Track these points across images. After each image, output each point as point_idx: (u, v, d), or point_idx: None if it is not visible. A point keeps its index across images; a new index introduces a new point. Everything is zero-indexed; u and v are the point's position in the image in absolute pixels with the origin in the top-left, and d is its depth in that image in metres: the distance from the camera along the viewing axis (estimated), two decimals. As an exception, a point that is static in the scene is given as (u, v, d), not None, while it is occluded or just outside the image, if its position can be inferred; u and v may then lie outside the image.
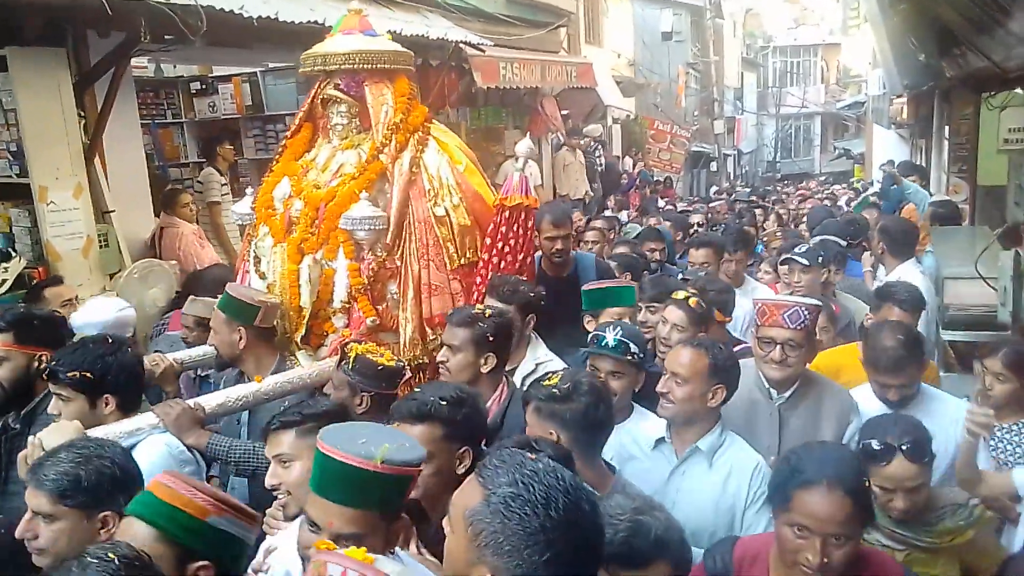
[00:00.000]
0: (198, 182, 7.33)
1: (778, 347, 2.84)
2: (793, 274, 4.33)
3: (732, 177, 26.50)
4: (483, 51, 8.63)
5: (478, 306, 3.02)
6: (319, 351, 3.37)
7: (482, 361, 2.88)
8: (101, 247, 5.20)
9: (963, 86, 6.14)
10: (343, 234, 3.31)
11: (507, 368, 3.25)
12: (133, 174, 5.85)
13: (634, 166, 16.22)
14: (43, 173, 4.85)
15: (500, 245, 3.33)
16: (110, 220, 5.32)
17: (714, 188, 20.68)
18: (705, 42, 23.25)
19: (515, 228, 3.34)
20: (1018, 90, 5.19)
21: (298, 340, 3.37)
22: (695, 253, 5.04)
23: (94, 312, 3.73)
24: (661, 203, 13.71)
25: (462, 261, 3.37)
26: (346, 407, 2.57)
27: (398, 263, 3.35)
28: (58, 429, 2.41)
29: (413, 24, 7.58)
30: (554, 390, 2.38)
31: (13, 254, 4.88)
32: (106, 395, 2.58)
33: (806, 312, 2.86)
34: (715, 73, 24.29)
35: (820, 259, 4.32)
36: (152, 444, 2.56)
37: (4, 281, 4.72)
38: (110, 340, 2.72)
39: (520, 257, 3.38)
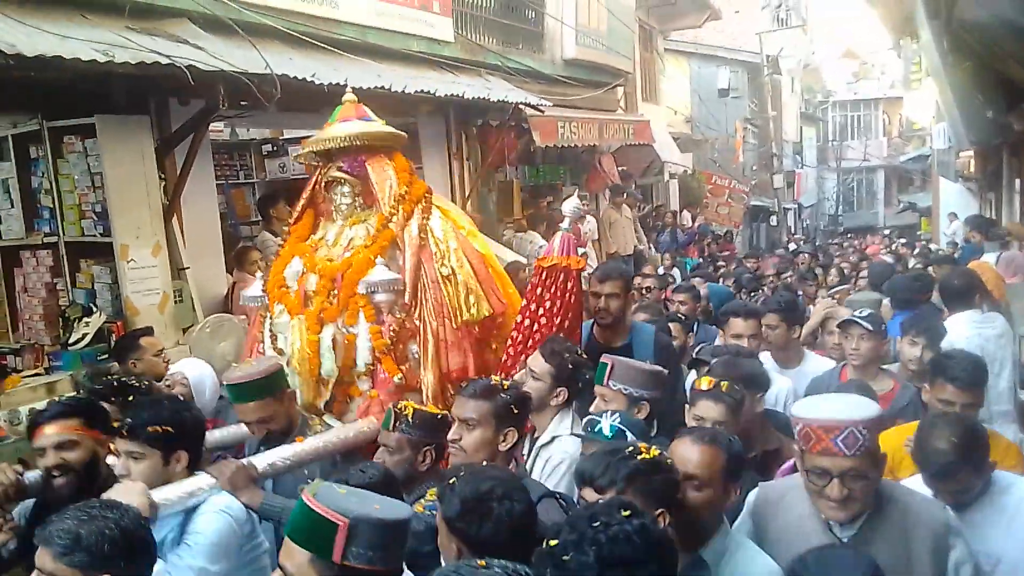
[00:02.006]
0: (257, 247, 7.58)
1: (835, 481, 2.15)
2: (851, 340, 3.84)
3: (792, 231, 26.13)
4: (542, 111, 8.82)
5: (494, 377, 2.85)
6: (345, 416, 3.42)
7: (502, 438, 2.64)
8: (176, 302, 5.42)
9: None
10: (362, 299, 3.45)
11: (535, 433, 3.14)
12: (207, 232, 6.11)
13: (693, 220, 16.18)
14: (125, 232, 5.11)
15: (535, 307, 3.33)
16: (185, 277, 5.54)
17: (792, 245, 20.31)
18: (763, 98, 23.26)
19: (552, 290, 3.34)
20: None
21: (320, 407, 3.44)
22: (737, 324, 4.17)
23: (192, 367, 3.94)
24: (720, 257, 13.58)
25: (466, 317, 3.45)
26: (392, 473, 2.54)
27: (417, 323, 3.48)
28: (124, 490, 2.36)
29: (475, 88, 7.81)
30: (665, 460, 2.13)
31: (94, 309, 5.12)
32: (180, 451, 2.59)
33: (865, 432, 2.15)
34: (773, 128, 24.22)
35: (883, 325, 3.93)
36: (214, 506, 2.53)
37: (85, 335, 4.95)
38: (179, 397, 2.79)
39: (558, 321, 3.32)
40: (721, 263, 12.37)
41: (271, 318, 3.65)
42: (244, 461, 2.76)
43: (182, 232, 5.63)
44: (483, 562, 1.49)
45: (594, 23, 11.04)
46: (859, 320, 3.84)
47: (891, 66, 31.17)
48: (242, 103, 5.57)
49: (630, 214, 12.37)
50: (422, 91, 6.67)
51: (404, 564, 1.88)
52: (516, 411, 2.66)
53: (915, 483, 2.54)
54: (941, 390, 3.05)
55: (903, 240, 19.76)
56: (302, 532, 1.74)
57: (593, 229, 11.04)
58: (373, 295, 3.44)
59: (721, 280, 8.54)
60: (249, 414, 3.13)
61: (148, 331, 4.68)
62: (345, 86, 5.73)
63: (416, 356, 3.48)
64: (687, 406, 2.96)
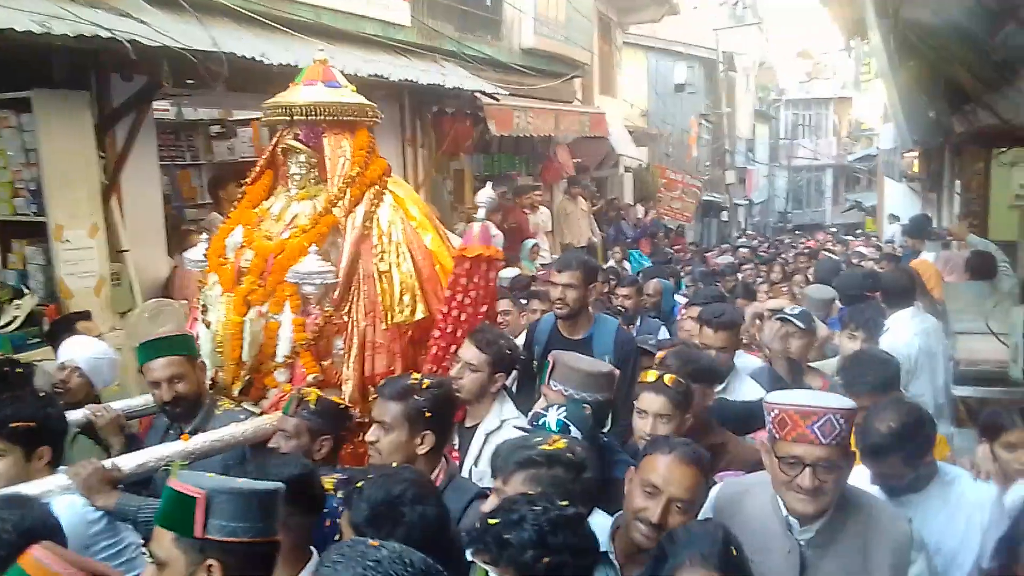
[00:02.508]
0: (204, 228, 7.42)
1: (807, 470, 2.07)
2: (784, 340, 3.86)
3: (742, 227, 26.56)
4: (498, 100, 8.77)
5: (414, 375, 2.70)
6: (260, 404, 3.29)
7: (418, 440, 2.55)
8: (114, 285, 5.25)
9: (973, 142, 6.18)
10: (290, 287, 3.25)
11: (471, 424, 3.15)
12: (149, 214, 5.93)
13: (646, 214, 16.31)
14: (60, 212, 4.93)
15: (460, 297, 3.23)
16: (124, 259, 5.38)
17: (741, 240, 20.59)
18: (718, 94, 23.53)
19: (475, 279, 3.24)
20: (1029, 147, 5.22)
21: (234, 392, 3.29)
22: (711, 335, 3.74)
23: (82, 349, 3.68)
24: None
25: (397, 318, 3.25)
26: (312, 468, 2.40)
27: (345, 319, 3.28)
28: None
29: (429, 73, 7.73)
30: (566, 455, 2.04)
31: (26, 291, 4.93)
32: (41, 447, 2.55)
33: (842, 421, 2.08)
34: (727, 125, 24.53)
35: (814, 322, 3.99)
36: (62, 504, 2.43)
37: (16, 318, 4.76)
38: (43, 393, 2.71)
39: (483, 309, 3.26)
40: (674, 257, 12.51)
41: (206, 288, 3.48)
42: (108, 462, 2.65)
43: (122, 213, 5.46)
44: (375, 542, 1.47)
45: (553, 13, 11.02)
46: (792, 319, 3.85)
47: (842, 67, 31.86)
48: (188, 81, 5.42)
49: (585, 206, 12.41)
50: (375, 75, 6.57)
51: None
52: (431, 414, 2.55)
53: (857, 472, 2.50)
54: (853, 398, 3.03)
55: (850, 238, 20.22)
56: (164, 513, 1.72)
57: (547, 220, 11.06)
58: (301, 286, 3.25)
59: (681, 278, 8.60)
60: (159, 371, 3.04)
61: (85, 315, 4.53)
62: (296, 67, 5.71)
63: (340, 353, 3.30)
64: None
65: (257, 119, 8.51)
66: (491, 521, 1.71)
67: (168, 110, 7.78)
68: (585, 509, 2.00)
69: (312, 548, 2.19)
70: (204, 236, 3.76)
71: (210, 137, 8.65)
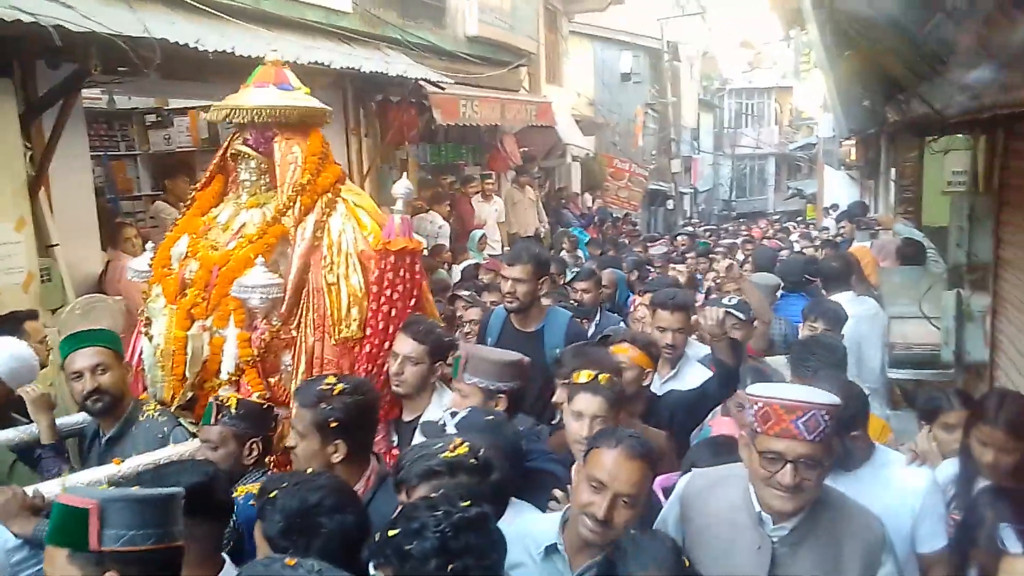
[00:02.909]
0: (150, 217, 7.21)
1: (788, 467, 2.03)
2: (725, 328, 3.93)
3: (688, 215, 26.91)
4: (443, 89, 8.69)
5: (328, 379, 2.58)
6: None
7: (331, 449, 2.48)
8: (43, 282, 5.05)
9: (907, 130, 6.35)
10: (235, 301, 3.12)
11: (410, 418, 3.12)
12: (80, 207, 5.71)
13: (593, 203, 16.41)
14: (-16, 205, 4.71)
15: (388, 292, 3.12)
16: (53, 254, 5.17)
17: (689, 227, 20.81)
18: (663, 83, 23.75)
19: (402, 273, 3.14)
20: (959, 135, 5.38)
21: (174, 408, 3.16)
22: (667, 317, 3.78)
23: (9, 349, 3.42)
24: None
25: (345, 333, 3.13)
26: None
27: (294, 333, 3.17)
28: None
29: (372, 61, 7.61)
30: (468, 460, 1.97)
31: (-50, 288, 4.72)
32: None
33: (827, 417, 2.05)
34: (672, 113, 24.79)
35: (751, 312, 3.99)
36: None
37: (-62, 316, 4.54)
38: None
39: (411, 302, 3.18)
40: (621, 244, 12.60)
41: (148, 300, 3.34)
42: (30, 489, 2.52)
43: (51, 206, 5.24)
44: (292, 560, 1.44)
45: (498, 1, 10.95)
46: (732, 310, 3.85)
47: (783, 57, 32.43)
48: (119, 68, 5.23)
49: (533, 195, 12.40)
50: (317, 62, 6.43)
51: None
52: (337, 423, 2.45)
53: None
54: (799, 380, 3.15)
55: (791, 224, 20.65)
56: (56, 531, 1.64)
57: (501, 210, 10.99)
58: (247, 300, 3.10)
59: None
60: (81, 360, 2.96)
61: (32, 315, 4.33)
62: (232, 53, 5.56)
63: (288, 369, 3.18)
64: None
65: (195, 108, 8.31)
66: (391, 533, 1.63)
67: (100, 99, 7.51)
68: (496, 509, 1.97)
69: (225, 556, 2.13)
70: (150, 245, 3.59)
71: (146, 127, 8.40)
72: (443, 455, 1.96)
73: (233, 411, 2.70)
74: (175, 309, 3.19)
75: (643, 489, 2.15)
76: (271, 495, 1.95)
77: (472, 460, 1.96)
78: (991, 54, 2.42)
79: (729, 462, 2.35)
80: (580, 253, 9.91)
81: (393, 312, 3.13)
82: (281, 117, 3.22)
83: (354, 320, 3.14)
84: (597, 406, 2.62)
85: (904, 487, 2.58)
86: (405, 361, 3.05)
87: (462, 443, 2.00)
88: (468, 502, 1.64)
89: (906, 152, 9.00)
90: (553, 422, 3.34)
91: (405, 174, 4.01)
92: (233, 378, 3.11)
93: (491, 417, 2.45)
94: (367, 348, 3.14)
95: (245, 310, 3.13)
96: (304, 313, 3.17)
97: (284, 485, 1.99)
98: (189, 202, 3.53)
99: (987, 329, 4.11)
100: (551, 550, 2.20)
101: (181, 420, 3.13)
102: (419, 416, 3.10)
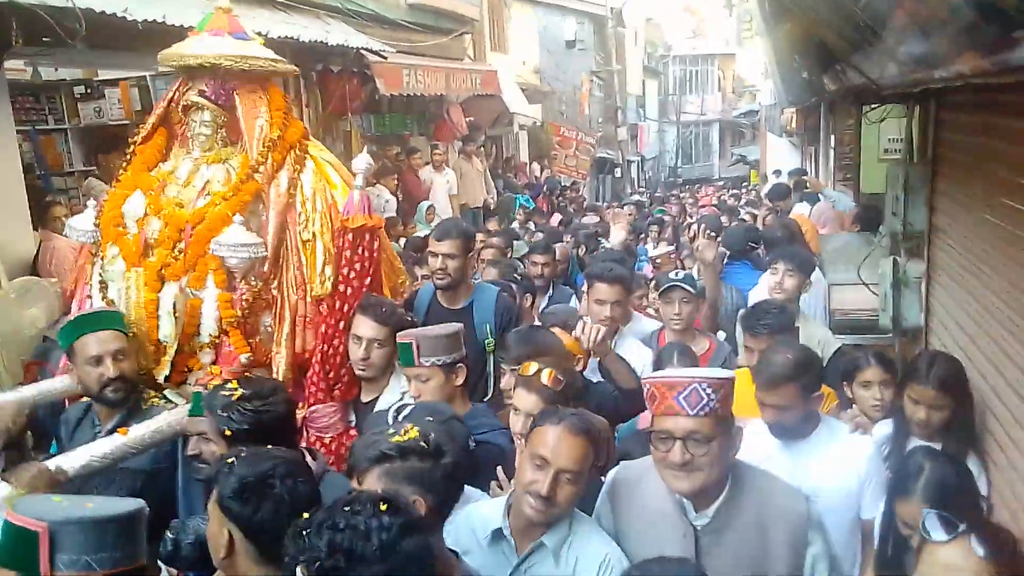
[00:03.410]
0: (83, 195, 6.95)
1: (676, 444, 2.04)
2: (673, 304, 3.80)
3: (635, 183, 27.11)
4: (385, 58, 8.53)
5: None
6: (183, 388, 3.05)
7: None
8: (-30, 265, 4.85)
9: (844, 99, 6.47)
10: (214, 261, 3.01)
11: (368, 399, 3.10)
12: (7, 185, 5.45)
13: (541, 172, 16.40)
14: (-99, 185, 4.48)
15: (346, 271, 3.07)
16: (-20, 236, 4.97)
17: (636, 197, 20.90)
18: (608, 51, 23.73)
19: (360, 251, 3.07)
20: (895, 105, 5.50)
21: (159, 377, 3.05)
22: (604, 289, 3.66)
23: None
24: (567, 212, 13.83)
25: (317, 291, 3.09)
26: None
27: (275, 293, 3.10)
28: None
29: (311, 30, 7.43)
30: (419, 443, 1.94)
31: None
32: None
33: (709, 390, 2.04)
34: (618, 81, 24.82)
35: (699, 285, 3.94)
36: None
37: None
38: None
39: (367, 281, 3.11)
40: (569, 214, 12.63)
41: (102, 261, 3.15)
42: (51, 464, 2.45)
43: (-26, 185, 5.02)
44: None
45: (439, -33, 10.77)
46: (681, 284, 3.84)
47: (726, 24, 32.70)
48: (43, 40, 4.99)
49: (480, 166, 12.33)
50: (253, 31, 6.22)
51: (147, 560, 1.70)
52: (232, 434, 2.31)
53: (749, 429, 2.58)
54: (752, 340, 3.29)
55: (734, 191, 20.96)
56: (4, 552, 1.53)
57: (452, 182, 10.87)
58: (227, 259, 2.99)
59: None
60: (102, 344, 2.79)
61: None
62: (163, 23, 5.34)
63: (268, 330, 3.10)
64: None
65: (126, 79, 8.00)
66: (304, 516, 1.59)
67: (25, 70, 7.18)
68: (448, 494, 1.98)
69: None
70: (92, 203, 3.38)
71: (75, 99, 8.07)
72: (394, 439, 1.95)
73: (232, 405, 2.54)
74: (141, 271, 3.04)
75: (585, 466, 2.14)
76: (228, 462, 1.94)
77: (423, 444, 1.95)
78: (922, 28, 2.47)
79: None
80: (531, 226, 9.79)
81: (349, 291, 3.08)
82: (249, 67, 3.07)
83: (328, 278, 3.08)
84: (532, 404, 2.53)
85: (850, 455, 2.64)
86: (370, 345, 3.00)
87: (412, 427, 1.99)
88: (387, 506, 1.55)
89: (844, 120, 9.20)
90: (486, 399, 3.36)
91: (364, 148, 3.90)
92: (215, 340, 3.04)
93: (431, 419, 2.41)
94: (322, 328, 3.08)
95: (225, 270, 3.04)
96: (283, 272, 3.10)
97: (242, 454, 1.99)
98: (129, 156, 3.32)
99: (922, 295, 4.25)
100: (497, 535, 2.21)
101: (168, 393, 3.01)
102: (377, 397, 3.07)
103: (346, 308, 3.08)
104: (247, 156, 3.15)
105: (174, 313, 3.00)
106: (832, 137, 10.61)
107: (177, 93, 3.24)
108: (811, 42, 4.41)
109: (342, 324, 3.08)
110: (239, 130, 3.18)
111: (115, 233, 3.14)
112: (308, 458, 2.47)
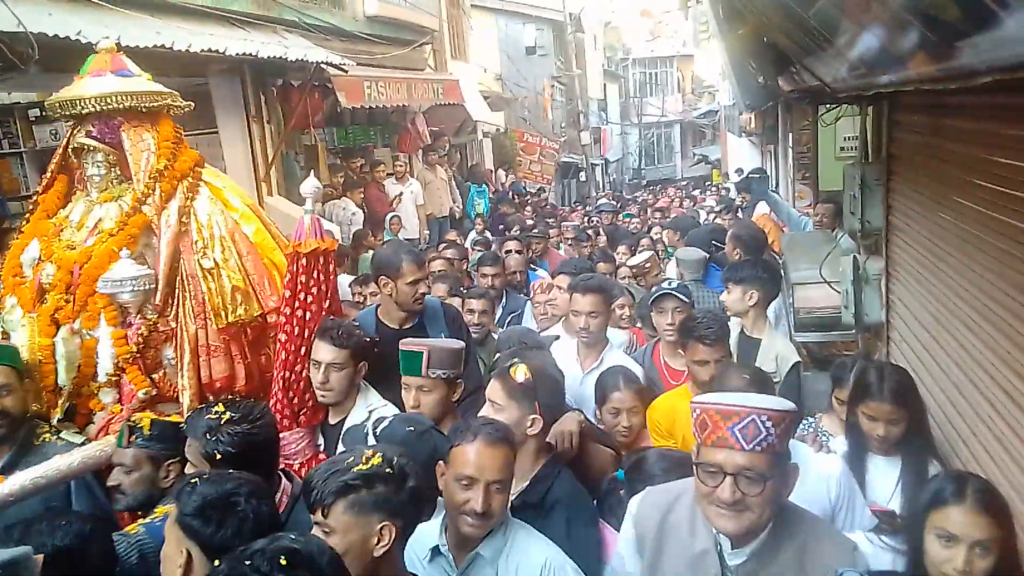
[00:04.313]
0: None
1: (727, 480, 1.83)
2: (666, 315, 3.67)
3: (600, 186, 27.27)
4: (346, 71, 8.50)
5: (216, 408, 2.43)
6: (87, 430, 3.03)
7: None
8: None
9: (800, 100, 6.59)
10: (103, 299, 2.98)
11: (335, 420, 3.08)
12: (-38, 212, 5.36)
13: (506, 178, 16.44)
14: None
15: (303, 296, 3.02)
16: (-65, 265, 4.84)
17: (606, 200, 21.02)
18: (568, 56, 23.87)
19: (315, 275, 3.04)
20: (848, 105, 5.61)
21: (55, 422, 2.99)
22: (580, 300, 3.61)
23: None
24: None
25: (231, 318, 3.03)
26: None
27: (172, 324, 3.05)
28: None
29: (270, 46, 7.36)
30: (384, 470, 1.90)
31: None
32: None
33: (768, 423, 1.83)
34: (579, 85, 24.98)
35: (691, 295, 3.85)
36: None
37: None
38: None
39: (325, 304, 3.09)
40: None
41: (2, 313, 3.13)
42: None
43: (-73, 213, 4.90)
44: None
45: (396, -22, 10.75)
46: (675, 293, 3.72)
47: (683, 26, 33.04)
48: (-6, 64, 4.90)
49: (444, 175, 12.32)
50: (210, 50, 6.18)
51: None
52: (222, 457, 2.31)
53: None
54: (693, 352, 3.22)
55: (697, 192, 21.18)
56: None
57: (417, 192, 10.84)
58: (117, 295, 2.97)
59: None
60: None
61: None
62: (119, 43, 5.27)
63: (172, 362, 3.07)
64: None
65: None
66: (242, 549, 1.55)
67: (-25, 94, 7.04)
68: (415, 515, 1.98)
69: None
70: None
71: (29, 122, 7.91)
72: (357, 468, 1.92)
73: (146, 432, 2.59)
74: (35, 317, 3.02)
75: (510, 470, 2.17)
76: (191, 482, 1.93)
77: (388, 470, 1.93)
78: (872, 34, 2.54)
79: (683, 477, 2.16)
80: (487, 235, 9.75)
81: (308, 316, 3.05)
82: (128, 104, 3.06)
83: (240, 304, 3.04)
84: (500, 397, 2.57)
85: (819, 477, 2.50)
86: (329, 369, 2.99)
87: (374, 454, 1.97)
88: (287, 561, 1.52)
89: (801, 119, 9.35)
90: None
91: (313, 169, 3.87)
92: (113, 379, 3.00)
93: (411, 429, 2.43)
94: (283, 355, 3.05)
95: (116, 306, 3.01)
96: (181, 302, 3.05)
97: (204, 476, 1.97)
98: (32, 206, 3.34)
99: (883, 292, 4.34)
100: (435, 552, 2.22)
101: (64, 433, 2.96)
102: (344, 418, 3.06)
103: (306, 333, 3.05)
104: (136, 193, 3.13)
105: (68, 355, 2.97)
106: (790, 136, 10.78)
107: (69, 138, 3.24)
108: (765, 47, 4.49)
109: (303, 350, 3.05)
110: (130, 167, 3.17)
111: (13, 283, 3.15)
112: (285, 480, 2.49)
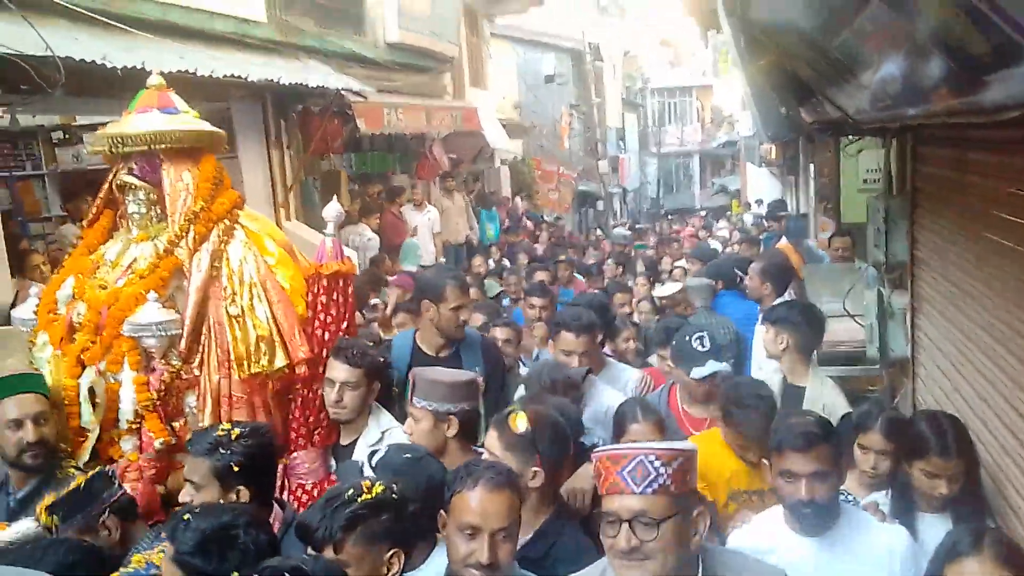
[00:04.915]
0: (37, 252, 6.86)
1: (623, 528, 1.75)
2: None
3: (618, 215, 27.26)
4: (366, 97, 8.57)
5: (224, 425, 2.48)
6: None
7: (232, 497, 2.36)
8: (-56, 315, 4.75)
9: (823, 131, 6.55)
10: (128, 342, 2.92)
11: (347, 441, 3.09)
12: (-17, 233, 5.41)
13: (522, 205, 16.48)
14: None
15: (323, 316, 3.05)
16: (-44, 285, 4.88)
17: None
18: (587, 84, 23.98)
19: (335, 297, 3.07)
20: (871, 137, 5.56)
21: (81, 464, 2.90)
22: (571, 340, 3.54)
23: None
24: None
25: (254, 370, 2.93)
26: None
27: (196, 372, 2.98)
28: None
29: (291, 71, 7.44)
30: (390, 496, 1.91)
31: None
32: None
33: (657, 463, 1.76)
34: (598, 114, 25.05)
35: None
36: None
37: None
38: None
39: (343, 325, 3.11)
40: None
41: (32, 348, 3.11)
42: None
43: (-51, 234, 4.95)
44: None
45: (418, 6, 10.85)
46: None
47: (702, 55, 33.18)
48: (22, 88, 4.97)
49: (462, 201, 12.35)
50: (232, 75, 6.25)
51: None
52: (240, 468, 2.36)
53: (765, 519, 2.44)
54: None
55: (719, 223, 21.07)
56: None
57: (434, 219, 10.84)
58: (141, 339, 2.91)
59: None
60: (23, 407, 2.73)
61: None
62: (143, 69, 5.33)
63: (194, 411, 3.00)
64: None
65: (104, 124, 7.94)
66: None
67: (3, 117, 7.14)
68: (416, 539, 1.97)
69: None
70: (34, 290, 3.38)
71: (53, 144, 8.04)
72: (363, 498, 1.91)
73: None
74: (61, 356, 2.98)
75: (515, 516, 2.06)
76: (183, 518, 1.89)
77: (392, 496, 1.95)
78: (896, 67, 2.50)
79: None
80: (505, 262, 9.74)
81: (327, 336, 3.09)
82: (167, 142, 3.03)
83: (263, 354, 2.94)
84: (496, 447, 2.48)
85: (882, 548, 2.32)
86: (343, 388, 3.00)
87: (377, 483, 1.97)
88: None
89: (823, 151, 9.30)
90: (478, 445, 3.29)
91: (336, 194, 3.89)
92: (133, 426, 2.92)
93: (409, 456, 2.39)
94: (302, 370, 3.04)
95: (140, 351, 2.94)
96: (206, 350, 2.98)
97: (195, 510, 1.94)
98: (76, 241, 3.34)
99: (907, 326, 4.26)
100: None
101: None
102: (356, 439, 3.07)
103: (325, 353, 3.08)
104: (171, 235, 3.08)
105: (93, 399, 2.92)
106: (812, 167, 10.73)
107: (114, 174, 3.22)
108: (788, 76, 4.46)
109: (322, 369, 3.07)
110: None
111: (46, 320, 3.12)
112: (276, 508, 2.51)
